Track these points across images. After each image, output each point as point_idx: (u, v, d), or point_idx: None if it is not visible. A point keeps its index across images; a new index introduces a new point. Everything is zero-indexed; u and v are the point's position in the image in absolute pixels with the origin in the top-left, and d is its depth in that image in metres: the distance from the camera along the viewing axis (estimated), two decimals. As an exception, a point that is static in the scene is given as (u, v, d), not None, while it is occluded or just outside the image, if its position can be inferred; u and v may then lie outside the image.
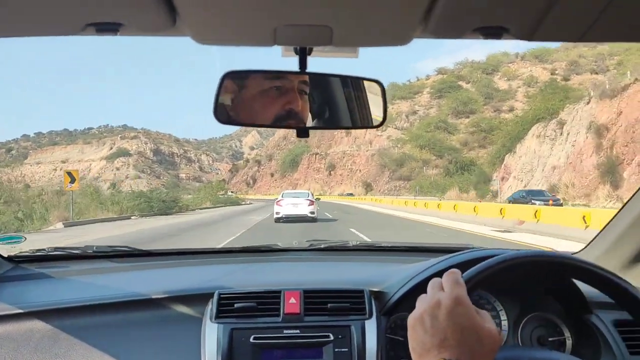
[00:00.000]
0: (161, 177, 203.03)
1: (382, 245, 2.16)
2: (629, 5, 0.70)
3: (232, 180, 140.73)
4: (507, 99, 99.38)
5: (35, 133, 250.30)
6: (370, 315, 1.39)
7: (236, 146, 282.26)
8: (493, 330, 0.76)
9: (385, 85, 1.11)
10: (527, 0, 0.72)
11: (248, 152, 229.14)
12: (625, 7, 0.70)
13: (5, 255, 1.76)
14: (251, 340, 1.33)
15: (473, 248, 1.72)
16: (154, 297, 1.46)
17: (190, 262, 2.00)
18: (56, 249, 1.97)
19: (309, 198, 21.58)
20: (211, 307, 1.41)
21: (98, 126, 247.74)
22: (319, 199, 27.71)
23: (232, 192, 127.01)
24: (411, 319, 0.80)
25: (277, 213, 20.77)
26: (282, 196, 21.87)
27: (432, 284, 0.83)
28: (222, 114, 1.01)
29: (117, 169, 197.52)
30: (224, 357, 1.30)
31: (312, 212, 20.74)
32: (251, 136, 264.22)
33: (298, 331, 1.35)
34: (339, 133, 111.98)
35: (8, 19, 0.78)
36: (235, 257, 2.09)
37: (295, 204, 20.77)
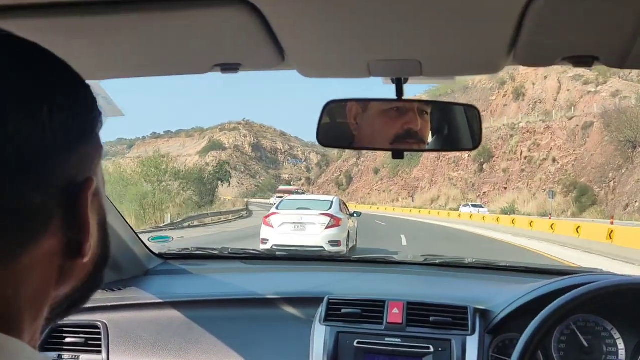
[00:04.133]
0: (257, 177, 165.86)
1: (500, 264, 2.08)
2: None
3: (318, 179, 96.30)
4: None
5: (164, 131, 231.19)
6: (473, 332, 1.41)
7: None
8: None
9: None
10: (615, 31, 0.71)
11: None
12: None
13: (157, 252, 2.01)
14: (355, 344, 1.42)
15: (593, 272, 1.68)
16: (273, 297, 1.63)
17: (307, 268, 2.15)
18: (198, 249, 2.27)
19: (329, 212, 10.42)
20: (321, 310, 1.52)
21: (228, 121, 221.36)
22: (358, 213, 12.97)
23: (302, 190, 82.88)
24: None
25: (264, 240, 10.55)
26: (277, 207, 11.34)
27: None
28: (327, 137, 1.11)
29: (207, 164, 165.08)
30: (329, 357, 1.41)
31: (335, 242, 10.07)
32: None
33: (399, 340, 1.42)
34: (499, 98, 61.41)
35: (152, 61, 0.95)
36: (348, 266, 2.21)
37: (299, 224, 10.29)
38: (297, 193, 62.68)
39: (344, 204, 12.26)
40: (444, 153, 64.95)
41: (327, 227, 10.28)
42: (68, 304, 0.50)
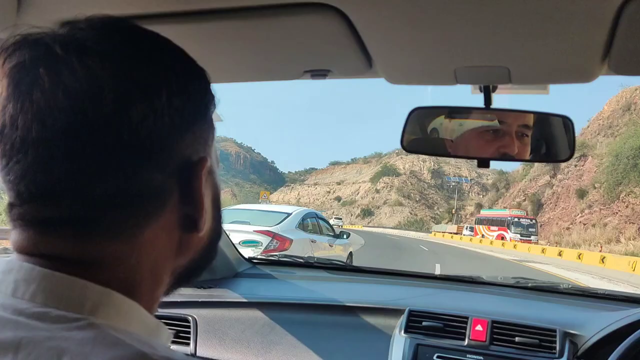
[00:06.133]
0: (435, 207, 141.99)
1: (598, 292, 1.94)
2: None
3: (494, 205, 69.87)
4: None
5: (351, 158, 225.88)
6: (561, 356, 1.37)
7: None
8: None
9: None
10: None
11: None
12: None
13: (246, 257, 2.14)
14: (435, 357, 1.40)
15: None
16: (354, 305, 1.66)
17: (390, 281, 2.13)
18: (284, 256, 2.42)
19: (274, 229, 6.69)
20: (401, 321, 1.53)
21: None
22: (347, 234, 9.45)
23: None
24: None
25: None
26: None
27: None
28: (411, 144, 1.10)
29: (377, 191, 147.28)
30: None
31: None
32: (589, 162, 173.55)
33: (482, 358, 1.38)
34: None
35: (246, 67, 0.99)
36: (433, 282, 2.15)
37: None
38: (518, 225, 37.23)
39: (323, 219, 8.64)
40: None
41: (265, 251, 6.28)
42: (187, 274, 0.54)
